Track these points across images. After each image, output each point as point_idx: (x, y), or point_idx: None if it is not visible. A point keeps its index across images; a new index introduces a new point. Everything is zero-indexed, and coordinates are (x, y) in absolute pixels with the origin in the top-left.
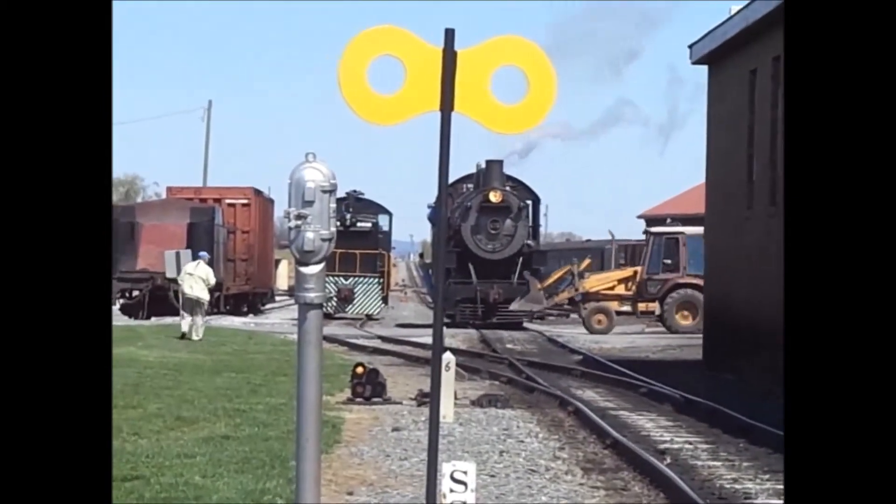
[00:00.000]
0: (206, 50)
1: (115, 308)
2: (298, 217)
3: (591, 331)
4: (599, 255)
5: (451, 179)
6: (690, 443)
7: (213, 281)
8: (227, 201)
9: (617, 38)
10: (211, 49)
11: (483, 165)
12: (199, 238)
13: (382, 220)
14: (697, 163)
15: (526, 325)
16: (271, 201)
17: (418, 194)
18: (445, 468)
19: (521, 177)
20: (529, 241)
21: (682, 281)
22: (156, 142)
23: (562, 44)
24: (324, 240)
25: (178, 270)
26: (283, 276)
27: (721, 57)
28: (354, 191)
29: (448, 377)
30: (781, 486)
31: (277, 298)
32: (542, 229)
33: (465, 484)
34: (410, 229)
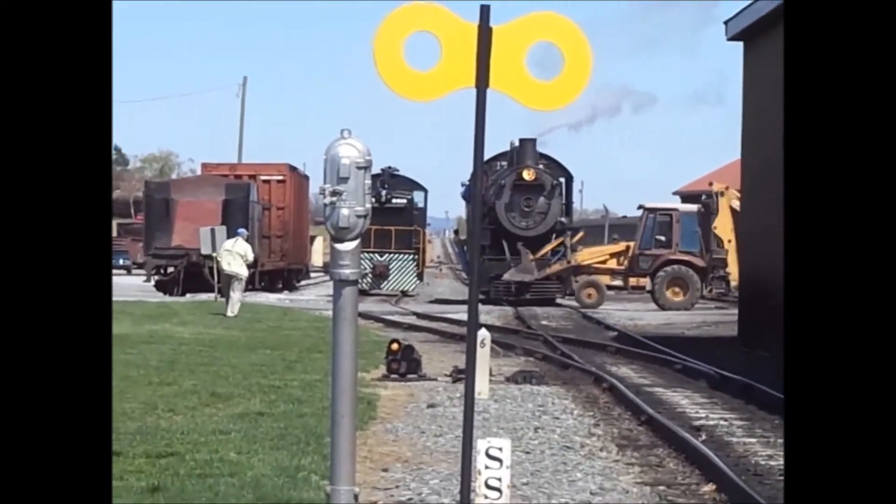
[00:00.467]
0: (242, 25)
1: (151, 284)
2: (334, 193)
3: (582, 304)
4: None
5: (486, 157)
6: (725, 419)
7: (251, 257)
8: (263, 178)
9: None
10: (246, 24)
11: (517, 143)
12: (234, 214)
13: (417, 197)
14: (734, 138)
15: (560, 301)
16: (306, 178)
17: (454, 171)
18: (480, 445)
19: (560, 152)
20: (563, 219)
21: (673, 257)
22: (191, 118)
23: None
24: (359, 216)
25: (214, 247)
26: (318, 253)
27: (756, 33)
28: (389, 167)
29: (483, 354)
30: None
31: (312, 275)
32: (577, 206)
33: (500, 460)
34: (446, 206)
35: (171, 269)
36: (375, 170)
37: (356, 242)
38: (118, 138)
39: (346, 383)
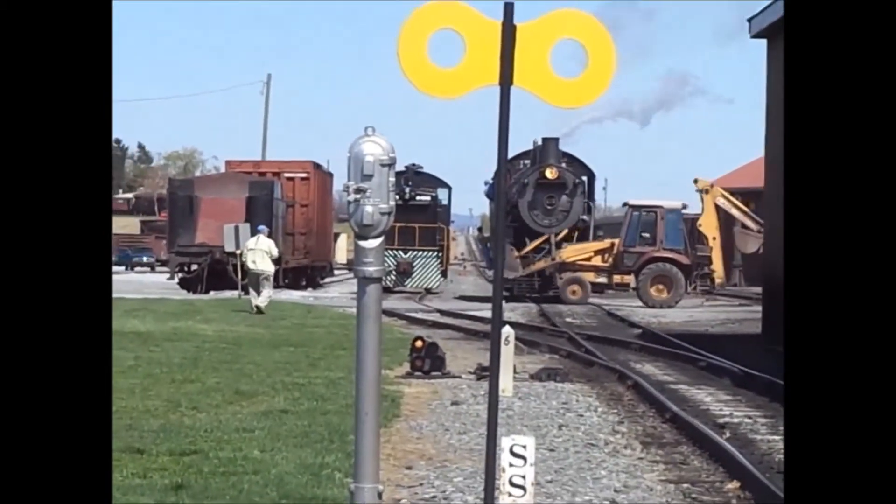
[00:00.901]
0: (266, 23)
1: (174, 282)
2: (357, 191)
3: (566, 301)
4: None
5: (509, 156)
6: (750, 417)
7: (275, 253)
8: (286, 175)
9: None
10: (271, 22)
11: (539, 142)
12: (258, 212)
13: (441, 194)
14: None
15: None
16: (330, 175)
17: (478, 168)
18: (504, 442)
19: (584, 149)
20: (585, 217)
21: (657, 255)
22: (215, 115)
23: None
24: (383, 213)
25: (237, 244)
26: (341, 250)
27: (779, 30)
28: (413, 164)
29: (507, 351)
30: None
31: (336, 272)
32: (601, 203)
33: (524, 458)
34: (470, 203)
35: (194, 267)
36: (399, 167)
37: (380, 240)
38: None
39: (370, 381)
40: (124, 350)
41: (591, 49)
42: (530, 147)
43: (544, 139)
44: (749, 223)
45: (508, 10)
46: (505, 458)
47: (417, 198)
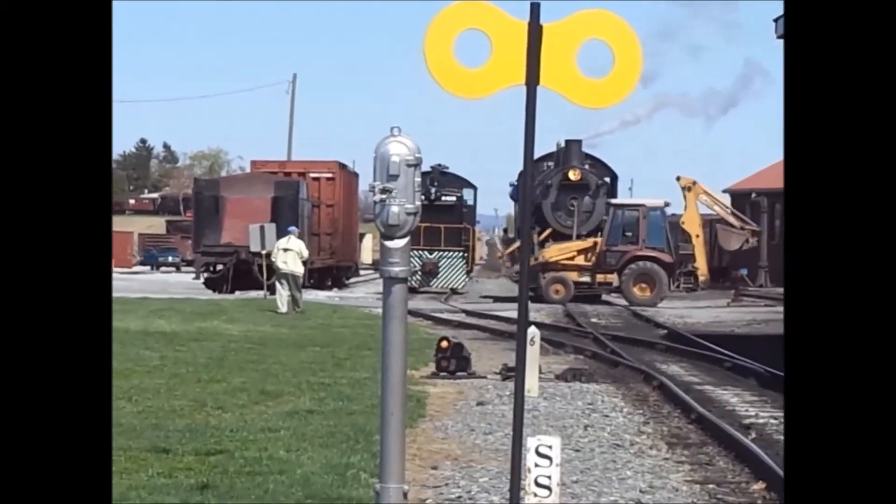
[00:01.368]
0: (292, 23)
1: (200, 282)
2: (383, 191)
3: (549, 301)
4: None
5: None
6: (775, 418)
7: (306, 253)
8: (312, 175)
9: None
10: (296, 22)
11: (563, 144)
12: (284, 212)
13: (467, 195)
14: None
15: (609, 298)
16: (356, 175)
17: (503, 169)
18: (530, 442)
19: (609, 151)
20: (607, 217)
21: (640, 253)
22: (240, 116)
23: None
24: (409, 214)
25: (263, 244)
26: (367, 250)
27: None
28: (439, 165)
29: (533, 351)
30: None
31: (362, 272)
32: None
33: (549, 458)
34: (495, 203)
35: (220, 267)
36: (425, 167)
37: (406, 240)
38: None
39: (396, 381)
40: (150, 350)
41: (618, 49)
42: (554, 149)
43: (567, 141)
44: (732, 220)
45: (535, 11)
46: (531, 459)
47: (443, 198)
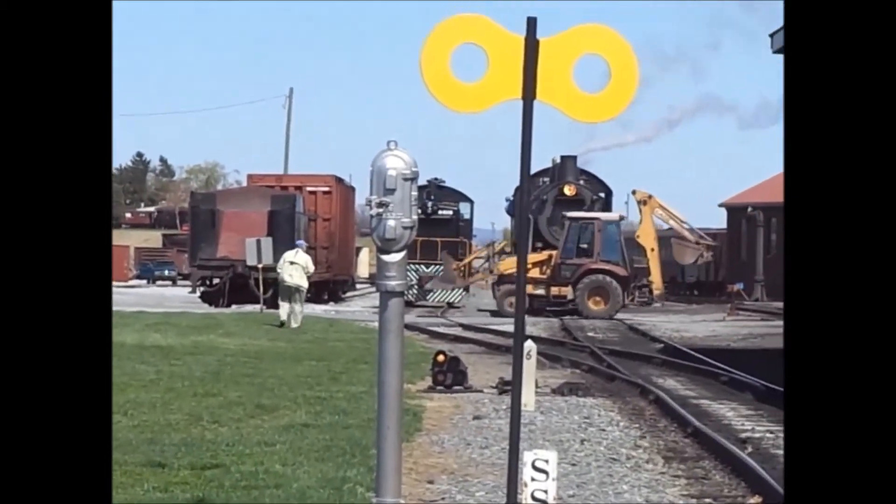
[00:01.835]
0: (288, 36)
1: (196, 295)
2: (380, 205)
3: (504, 314)
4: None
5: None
6: (772, 432)
7: (311, 268)
8: (309, 189)
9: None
10: (293, 36)
11: (558, 160)
12: (280, 226)
13: (464, 208)
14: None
15: None
16: (352, 189)
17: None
18: (527, 457)
19: (606, 167)
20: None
21: (594, 266)
22: (237, 129)
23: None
24: (405, 227)
25: (259, 258)
26: (364, 264)
27: None
28: (436, 178)
29: (529, 365)
30: None
31: (358, 286)
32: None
33: (546, 472)
34: (492, 217)
35: (216, 281)
36: (422, 181)
37: (402, 254)
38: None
39: (392, 395)
40: (146, 364)
41: (614, 64)
42: (550, 165)
43: (563, 157)
44: (687, 235)
45: (531, 25)
46: (527, 473)
47: (440, 212)
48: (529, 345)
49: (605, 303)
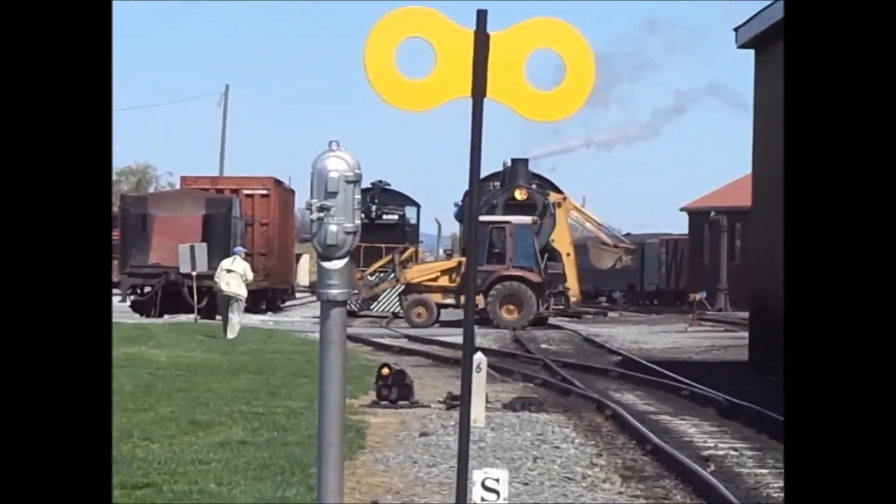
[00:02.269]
0: (224, 31)
1: (126, 305)
2: (321, 209)
3: (412, 324)
4: (640, 249)
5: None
6: (736, 449)
7: (250, 276)
8: (245, 192)
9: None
10: (229, 30)
11: (509, 164)
12: (215, 231)
13: (410, 213)
14: (744, 153)
15: (561, 323)
16: (292, 192)
17: (448, 185)
18: (476, 475)
19: (565, 170)
20: (554, 238)
21: (507, 273)
22: (169, 129)
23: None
24: (348, 233)
25: (193, 265)
26: (304, 272)
27: (768, 40)
28: (380, 181)
29: (479, 379)
30: None
31: (298, 295)
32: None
33: (496, 492)
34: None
35: (147, 289)
36: (365, 184)
37: (345, 261)
38: None
39: (334, 410)
40: None
41: (569, 60)
42: (500, 168)
43: (514, 160)
44: (604, 238)
45: (482, 18)
46: (477, 493)
47: (384, 216)
48: (479, 357)
49: (519, 312)
